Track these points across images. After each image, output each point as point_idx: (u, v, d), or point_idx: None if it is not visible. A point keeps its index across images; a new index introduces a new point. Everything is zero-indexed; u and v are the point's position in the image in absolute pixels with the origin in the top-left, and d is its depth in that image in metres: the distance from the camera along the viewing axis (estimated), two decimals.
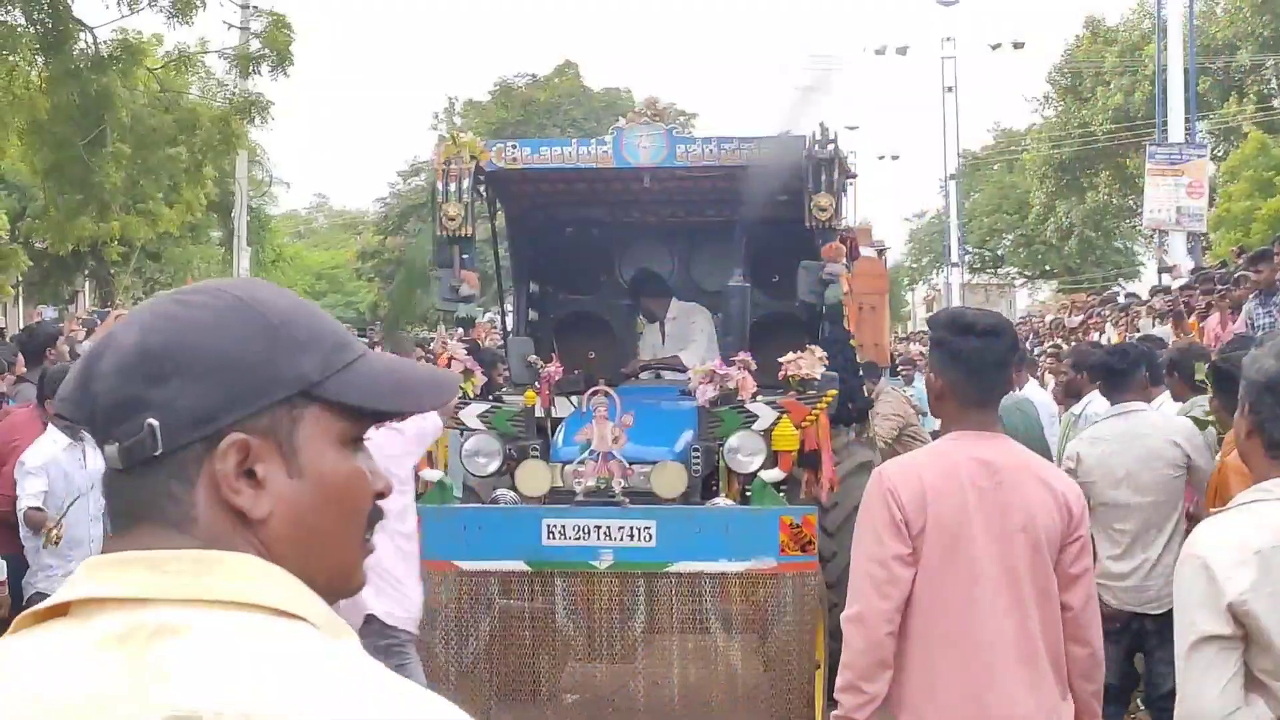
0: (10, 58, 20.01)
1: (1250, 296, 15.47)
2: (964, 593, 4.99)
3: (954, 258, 61.88)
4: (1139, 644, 8.83)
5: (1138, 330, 19.90)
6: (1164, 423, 9.00)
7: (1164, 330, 18.43)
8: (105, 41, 20.43)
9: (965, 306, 5.52)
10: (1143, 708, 9.42)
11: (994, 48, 59.72)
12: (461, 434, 10.47)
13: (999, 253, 78.71)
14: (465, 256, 10.89)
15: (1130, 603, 8.66)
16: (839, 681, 5.04)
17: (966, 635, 5.00)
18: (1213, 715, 3.89)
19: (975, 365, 5.09)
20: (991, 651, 4.99)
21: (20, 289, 30.65)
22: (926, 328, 4.93)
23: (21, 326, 25.67)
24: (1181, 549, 4.14)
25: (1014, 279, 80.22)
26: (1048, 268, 72.85)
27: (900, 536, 4.97)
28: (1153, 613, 8.56)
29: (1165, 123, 36.87)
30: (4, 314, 31.19)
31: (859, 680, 5.01)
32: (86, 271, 35.26)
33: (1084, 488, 8.35)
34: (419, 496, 9.75)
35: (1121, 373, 9.12)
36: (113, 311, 21.03)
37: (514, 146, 11.27)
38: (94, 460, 9.85)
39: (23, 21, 19.65)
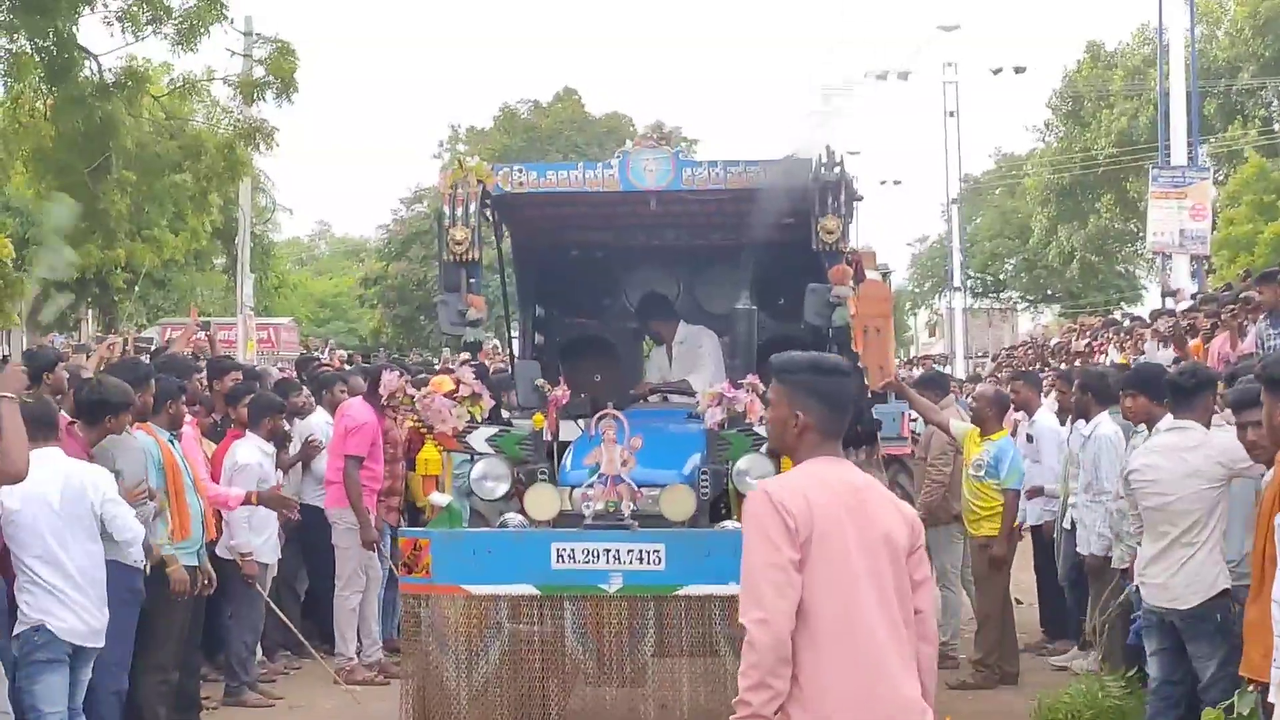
0: (16, 85, 20.09)
1: (1261, 317, 15.49)
2: (845, 597, 5.36)
3: (956, 282, 61.92)
4: (1178, 640, 9.26)
5: (1142, 353, 19.89)
6: (1211, 441, 9.33)
7: (1165, 355, 18.43)
8: (110, 69, 20.53)
9: (821, 353, 6.05)
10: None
11: (995, 72, 59.73)
12: (470, 458, 10.49)
13: (1001, 277, 78.95)
14: (472, 280, 10.90)
15: (1158, 599, 9.21)
16: (746, 682, 5.23)
17: (851, 634, 5.34)
18: None
19: (835, 401, 5.64)
20: (873, 647, 5.35)
21: (24, 317, 30.73)
22: (777, 369, 5.17)
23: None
24: None
25: (1016, 303, 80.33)
26: (1050, 292, 73.08)
27: (793, 544, 5.31)
28: (1180, 608, 9.12)
29: (1168, 146, 36.91)
30: (8, 342, 31.21)
31: (767, 677, 5.23)
32: (90, 299, 35.34)
33: (1137, 494, 9.10)
34: (426, 521, 9.78)
35: (1189, 391, 9.48)
36: (108, 339, 21.07)
37: (520, 170, 11.29)
38: None
39: (29, 49, 19.69)
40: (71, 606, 8.96)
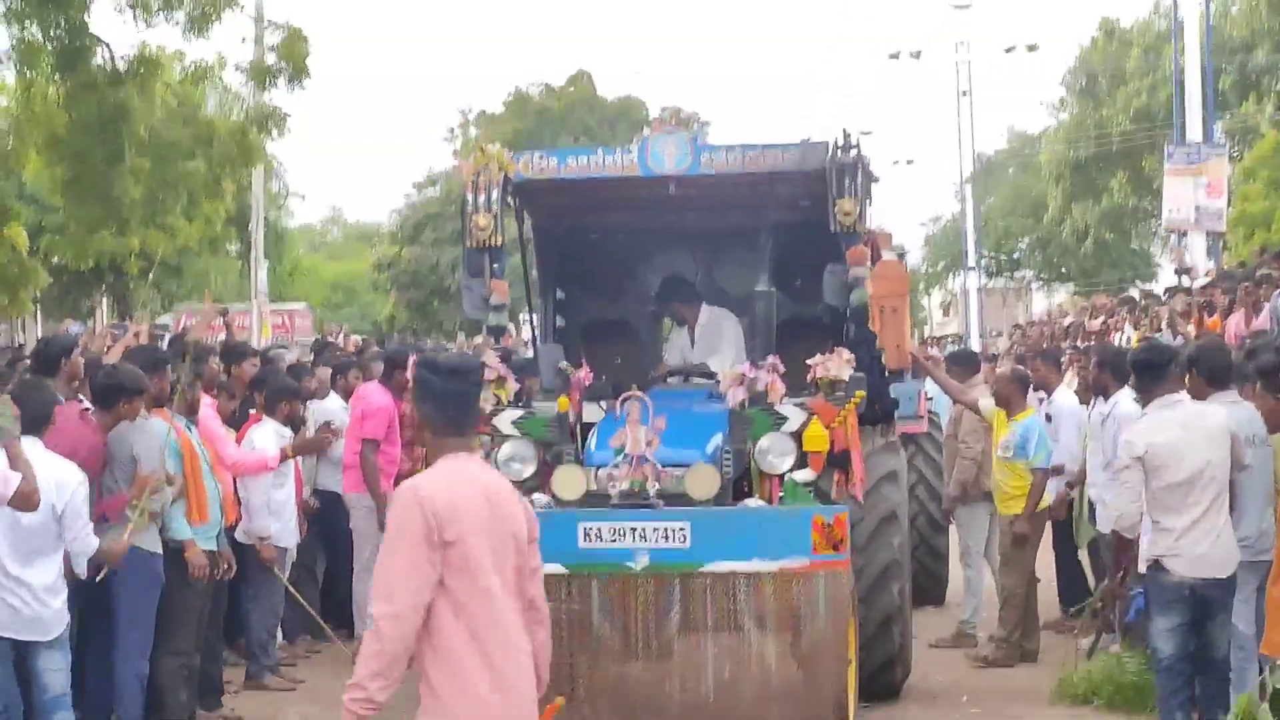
0: (29, 73, 20.22)
1: (1276, 293, 15.70)
2: (483, 595, 5.70)
3: (970, 261, 62.02)
4: (1203, 612, 9.30)
5: (1160, 330, 20.08)
6: (1217, 410, 9.53)
7: (1174, 333, 18.62)
8: (122, 56, 20.56)
9: (443, 355, 6.49)
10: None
11: (1008, 51, 59.93)
12: (494, 440, 10.73)
13: (1015, 256, 78.90)
14: (495, 266, 11.15)
15: (1200, 569, 9.21)
16: (366, 669, 5.56)
17: (490, 633, 5.69)
18: None
19: (450, 401, 5.92)
20: (509, 644, 5.72)
21: (39, 305, 30.88)
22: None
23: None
24: None
25: (1030, 282, 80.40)
26: (1064, 270, 72.99)
27: (433, 545, 5.60)
28: (1221, 576, 9.23)
29: (1184, 122, 37.01)
30: (23, 330, 31.46)
31: (388, 668, 5.59)
32: (105, 286, 35.52)
33: (1154, 472, 9.09)
34: None
35: (1163, 366, 9.68)
36: (132, 326, 21.26)
37: (541, 157, 11.54)
38: None
39: (40, 37, 19.83)
40: (9, 600, 8.89)
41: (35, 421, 9.08)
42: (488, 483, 5.87)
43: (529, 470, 10.56)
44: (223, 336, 19.12)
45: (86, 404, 10.60)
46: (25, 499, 8.65)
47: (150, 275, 32.45)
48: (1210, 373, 9.80)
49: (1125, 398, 12.28)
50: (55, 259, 24.88)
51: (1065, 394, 14.92)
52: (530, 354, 13.62)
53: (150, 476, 10.12)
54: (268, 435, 12.63)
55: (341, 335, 32.58)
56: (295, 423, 13.50)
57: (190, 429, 11.13)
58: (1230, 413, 9.46)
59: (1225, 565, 9.25)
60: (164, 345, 15.56)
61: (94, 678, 10.34)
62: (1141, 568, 9.49)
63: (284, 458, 12.54)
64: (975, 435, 14.23)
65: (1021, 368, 15.70)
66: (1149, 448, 9.25)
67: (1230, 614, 9.42)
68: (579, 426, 10.77)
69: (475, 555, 5.65)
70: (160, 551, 10.39)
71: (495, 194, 10.98)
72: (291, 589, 12.93)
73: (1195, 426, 9.29)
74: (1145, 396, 9.86)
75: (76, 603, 9.55)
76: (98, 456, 10.16)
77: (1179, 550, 9.20)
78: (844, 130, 11.04)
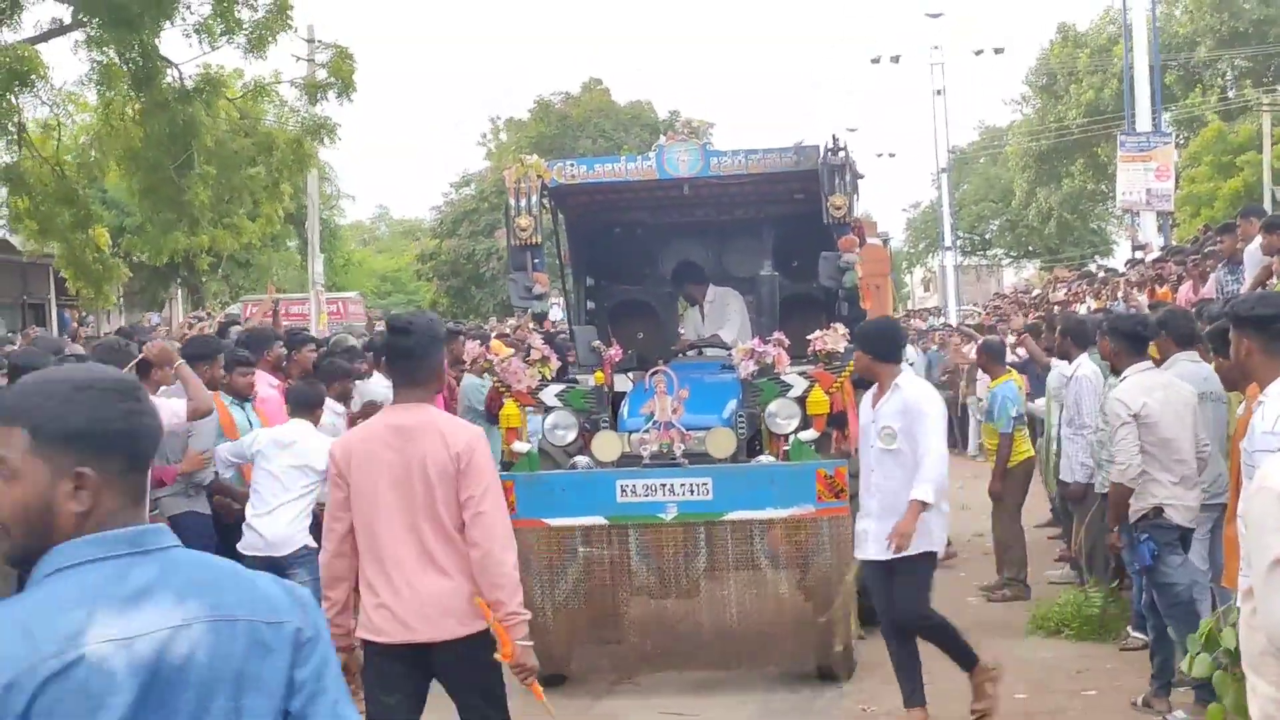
0: (107, 93, 20.45)
1: (1219, 265, 15.91)
2: (377, 523, 6.30)
3: (947, 243, 62.15)
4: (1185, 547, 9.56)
5: (1118, 300, 20.34)
6: (1196, 370, 9.86)
7: (1139, 300, 18.90)
8: (190, 76, 20.69)
9: (403, 313, 7.09)
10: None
11: (977, 53, 59.96)
12: (540, 411, 11.13)
13: (987, 237, 79.02)
14: (536, 261, 11.53)
15: (1188, 519, 9.47)
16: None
17: (381, 552, 6.30)
18: None
19: (391, 355, 6.56)
20: (398, 560, 6.27)
21: (121, 298, 31.11)
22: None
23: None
24: (1253, 482, 4.54)
25: (1001, 259, 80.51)
26: (1030, 248, 73.14)
27: (339, 486, 6.38)
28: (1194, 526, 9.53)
29: (1134, 114, 37.25)
30: (108, 320, 31.76)
31: (325, 590, 6.49)
32: (179, 280, 35.77)
33: (1147, 429, 9.23)
34: (509, 466, 10.45)
35: (1142, 338, 9.92)
36: (197, 319, 21.53)
37: (572, 165, 11.89)
38: None
39: (117, 61, 20.07)
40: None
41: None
42: (409, 426, 6.30)
43: (571, 436, 10.85)
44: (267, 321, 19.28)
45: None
46: (196, 412, 9.45)
47: (219, 270, 32.68)
48: (1179, 335, 10.07)
49: (1085, 361, 12.36)
50: (135, 257, 25.13)
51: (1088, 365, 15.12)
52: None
53: (203, 454, 10.34)
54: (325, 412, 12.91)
55: None
56: (347, 398, 13.76)
57: (243, 407, 11.24)
58: (1194, 371, 9.69)
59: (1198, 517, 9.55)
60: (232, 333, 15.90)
61: None
62: (1134, 516, 9.48)
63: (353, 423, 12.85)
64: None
65: (995, 338, 15.98)
66: (1143, 406, 9.35)
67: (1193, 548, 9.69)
68: (612, 397, 11.06)
69: (370, 490, 6.29)
70: (210, 513, 10.54)
71: (534, 198, 11.30)
72: None
73: (1173, 396, 9.44)
74: (1122, 361, 9.94)
75: None
76: None
77: (1173, 500, 9.37)
78: (833, 135, 11.37)
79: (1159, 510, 9.38)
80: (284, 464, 9.91)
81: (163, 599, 2.69)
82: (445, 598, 6.24)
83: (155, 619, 2.66)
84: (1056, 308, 22.26)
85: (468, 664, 6.34)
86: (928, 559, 9.14)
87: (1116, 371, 10.24)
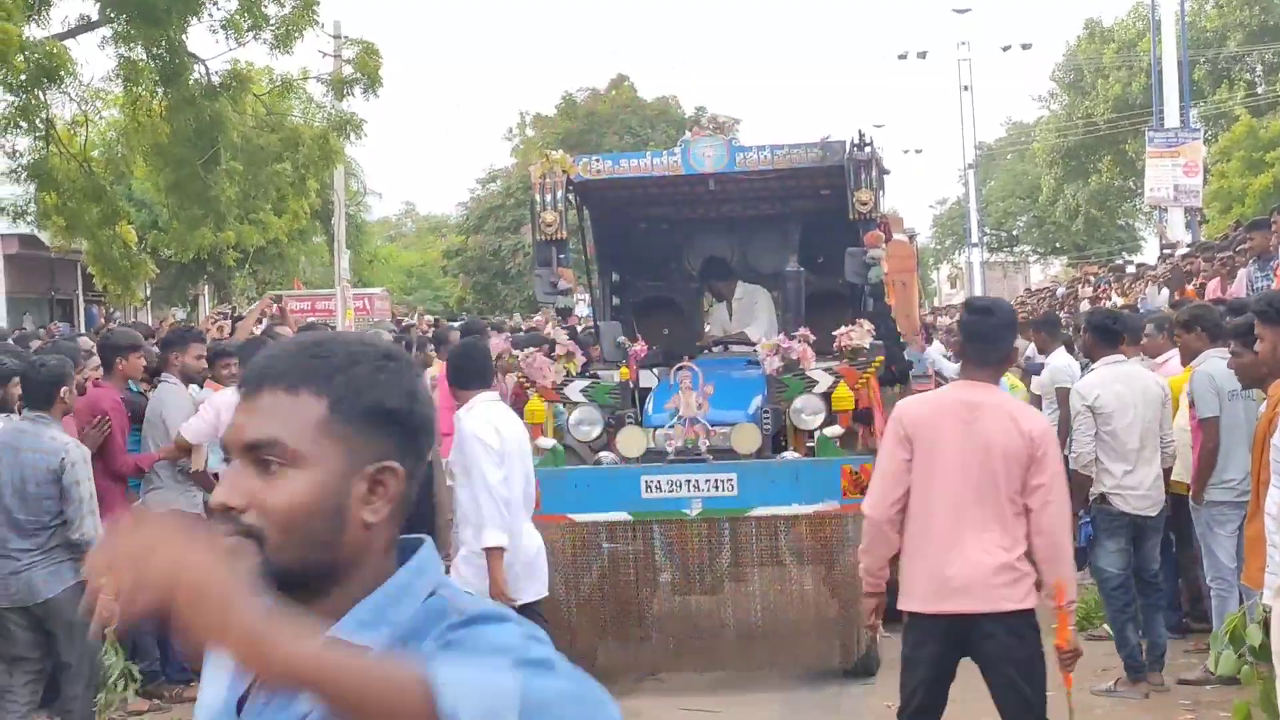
0: (135, 89, 20.54)
1: (1250, 261, 15.81)
2: (933, 491, 6.39)
3: (974, 239, 62.13)
4: (1138, 536, 9.87)
5: (1144, 296, 20.25)
6: (1150, 374, 10.14)
7: (1162, 298, 18.82)
8: (217, 72, 20.81)
9: (985, 297, 7.15)
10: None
11: (1005, 49, 59.94)
12: (565, 406, 11.11)
13: (1014, 233, 78.86)
14: (561, 256, 11.48)
15: (1139, 508, 9.74)
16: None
17: (932, 519, 6.40)
18: None
19: (969, 334, 6.73)
20: (949, 530, 6.36)
21: (149, 295, 31.23)
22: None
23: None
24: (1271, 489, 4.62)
25: (1028, 256, 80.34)
26: (1058, 245, 73.00)
27: (903, 448, 6.43)
28: (1150, 514, 9.82)
29: (1162, 110, 37.14)
30: (136, 316, 31.88)
31: (873, 549, 6.61)
32: (206, 276, 35.87)
33: (1102, 419, 9.55)
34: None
35: (1115, 333, 10.14)
36: (228, 309, 21.59)
37: (597, 160, 11.88)
38: None
39: (144, 57, 20.15)
40: None
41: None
42: (972, 402, 6.45)
43: (596, 431, 10.81)
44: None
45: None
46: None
47: (246, 265, 32.73)
48: (1209, 331, 10.04)
49: (1061, 353, 13.01)
50: (162, 253, 25.23)
51: (1062, 355, 15.17)
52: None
53: (180, 441, 10.26)
54: None
55: (417, 316, 32.85)
56: None
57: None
58: (1225, 367, 9.50)
59: (1156, 506, 9.81)
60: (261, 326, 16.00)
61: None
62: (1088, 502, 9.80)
63: None
64: None
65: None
66: (1097, 399, 9.65)
67: (1159, 538, 10.03)
68: (637, 392, 11.05)
69: (938, 458, 6.37)
70: (202, 513, 10.05)
71: (559, 194, 11.29)
72: None
73: (1135, 387, 9.69)
74: (1095, 354, 10.20)
75: None
76: (120, 413, 10.23)
77: (1121, 490, 9.66)
78: (859, 130, 11.35)
79: (1103, 498, 9.71)
80: None
81: None
82: (995, 573, 6.30)
83: None
84: (1086, 303, 22.20)
85: (1014, 640, 6.38)
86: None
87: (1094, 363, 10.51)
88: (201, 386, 11.36)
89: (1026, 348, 15.52)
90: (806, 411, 10.58)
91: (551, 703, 1.83)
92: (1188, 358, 10.43)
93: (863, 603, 6.86)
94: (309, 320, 25.10)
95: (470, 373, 8.66)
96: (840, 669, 10.46)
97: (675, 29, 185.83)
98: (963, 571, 6.28)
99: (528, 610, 8.39)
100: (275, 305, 19.36)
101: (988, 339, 6.51)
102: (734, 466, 10.03)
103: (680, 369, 10.35)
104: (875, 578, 6.57)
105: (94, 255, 21.28)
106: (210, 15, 20.21)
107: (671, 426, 10.24)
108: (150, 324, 23.70)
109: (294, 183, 23.23)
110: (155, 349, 12.00)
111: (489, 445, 8.26)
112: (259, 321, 17.10)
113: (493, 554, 8.14)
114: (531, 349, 11.19)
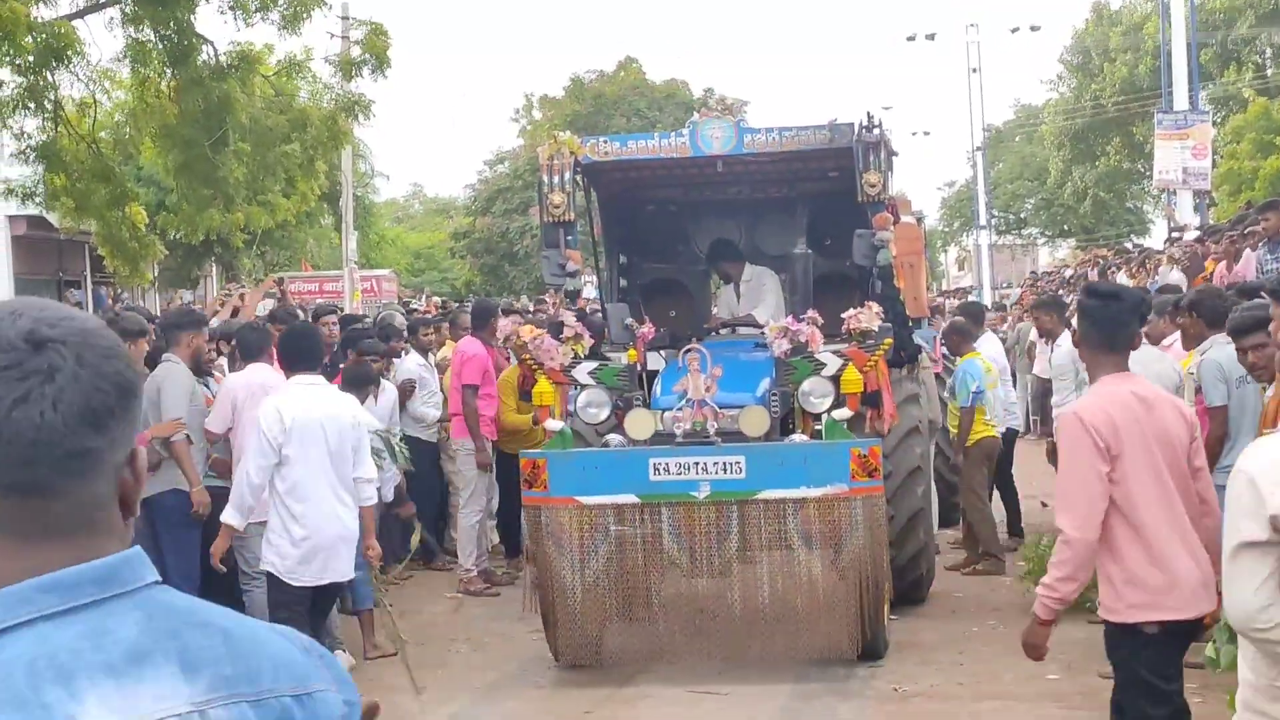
0: (143, 70, 20.47)
1: (1261, 243, 15.73)
2: (1134, 493, 6.16)
3: (982, 221, 62.03)
4: None
5: (1154, 279, 20.20)
6: (1231, 352, 9.59)
7: (1176, 276, 18.76)
8: (225, 53, 20.70)
9: (1108, 282, 7.03)
10: None
11: (1013, 31, 59.95)
12: (574, 388, 11.10)
13: (1022, 215, 78.76)
14: (569, 238, 11.51)
15: None
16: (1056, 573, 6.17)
17: (1140, 520, 6.17)
18: (1249, 608, 4.31)
19: (1093, 320, 6.50)
20: (1156, 530, 6.18)
21: (157, 276, 31.18)
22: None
23: (159, 311, 26.31)
24: (1234, 465, 4.56)
25: (1036, 239, 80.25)
26: (1066, 228, 72.89)
27: (1102, 458, 6.11)
28: None
29: (1170, 92, 37.06)
30: (143, 298, 31.94)
31: (1075, 571, 6.21)
32: (214, 257, 35.84)
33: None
34: (539, 444, 10.42)
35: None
36: (236, 289, 21.54)
37: (605, 141, 11.89)
38: None
39: (152, 38, 20.09)
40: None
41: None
42: (1144, 396, 6.34)
43: (604, 414, 10.79)
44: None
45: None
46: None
47: (255, 246, 32.66)
48: (1210, 316, 9.96)
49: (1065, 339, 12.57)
50: (170, 234, 25.14)
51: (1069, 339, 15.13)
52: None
53: (173, 422, 10.35)
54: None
55: (425, 298, 32.82)
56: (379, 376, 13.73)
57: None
58: (1229, 352, 9.43)
59: None
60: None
61: None
62: None
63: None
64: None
65: (959, 318, 15.94)
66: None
67: None
68: (645, 374, 11.02)
69: (1128, 462, 6.13)
70: (186, 489, 10.47)
71: (567, 175, 11.28)
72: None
73: (1151, 371, 9.04)
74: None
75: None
76: None
77: None
78: (868, 112, 11.34)
79: None
80: None
81: (162, 668, 1.85)
82: (1200, 570, 6.17)
83: (161, 698, 1.83)
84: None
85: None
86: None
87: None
88: (208, 382, 11.40)
89: (1029, 330, 15.53)
90: (815, 394, 10.57)
91: None
92: (1191, 342, 10.37)
93: (1036, 632, 6.32)
94: (317, 302, 25.05)
95: (292, 356, 9.51)
96: (849, 652, 10.43)
97: (683, 14, 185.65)
98: (1189, 576, 6.14)
99: (322, 593, 9.39)
100: (278, 286, 19.33)
101: (1116, 323, 6.41)
102: (742, 449, 9.98)
103: (688, 351, 10.33)
104: (1066, 604, 6.25)
105: (103, 236, 21.25)
106: None
107: (679, 409, 10.22)
108: (156, 309, 23.66)
109: (302, 164, 23.10)
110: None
111: (264, 432, 9.13)
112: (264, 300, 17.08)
113: (224, 528, 9.32)
114: (538, 333, 11.16)
